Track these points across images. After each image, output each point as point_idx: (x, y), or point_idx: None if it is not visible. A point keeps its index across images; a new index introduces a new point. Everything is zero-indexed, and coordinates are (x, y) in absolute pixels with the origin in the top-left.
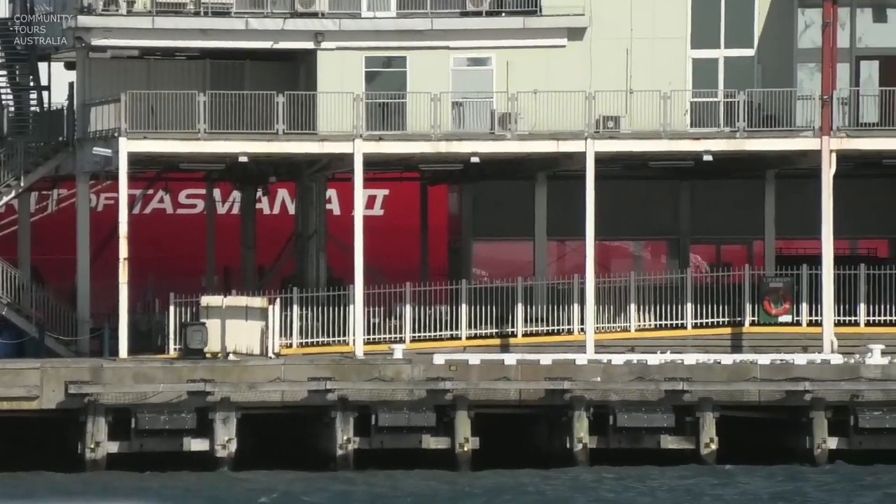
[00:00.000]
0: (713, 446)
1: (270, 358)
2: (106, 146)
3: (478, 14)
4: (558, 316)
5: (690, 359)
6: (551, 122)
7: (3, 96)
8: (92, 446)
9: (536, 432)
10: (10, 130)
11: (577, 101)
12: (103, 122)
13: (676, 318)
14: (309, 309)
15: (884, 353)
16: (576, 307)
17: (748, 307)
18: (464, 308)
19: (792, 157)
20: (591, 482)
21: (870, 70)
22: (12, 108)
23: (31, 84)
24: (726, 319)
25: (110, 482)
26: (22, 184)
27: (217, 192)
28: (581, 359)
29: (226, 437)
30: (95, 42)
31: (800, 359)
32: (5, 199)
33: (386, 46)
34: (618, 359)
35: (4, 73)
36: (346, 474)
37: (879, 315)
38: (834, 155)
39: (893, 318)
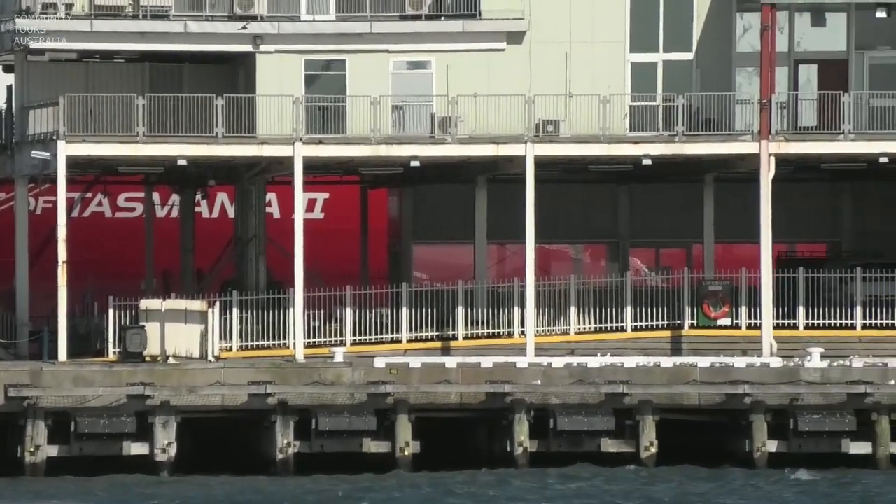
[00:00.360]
0: (653, 449)
1: (210, 361)
2: (44, 149)
3: (417, 17)
4: (499, 319)
5: (630, 362)
6: (491, 125)
7: None
8: (31, 450)
9: (477, 435)
10: None
11: (517, 105)
12: (42, 125)
13: (616, 322)
14: (249, 312)
15: (823, 356)
16: (516, 310)
17: (687, 310)
18: (404, 311)
19: (731, 161)
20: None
21: (808, 74)
22: None
23: None
24: (666, 322)
25: (45, 489)
26: None
27: (156, 196)
28: (521, 362)
29: (165, 441)
30: (34, 45)
31: (739, 362)
32: None
33: (325, 49)
34: (558, 362)
35: None
36: (286, 479)
37: (818, 318)
38: (773, 159)
39: (832, 321)
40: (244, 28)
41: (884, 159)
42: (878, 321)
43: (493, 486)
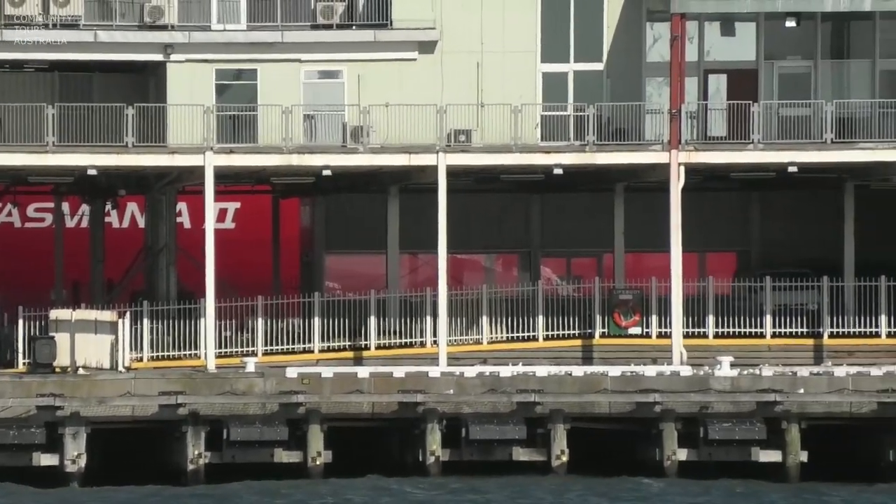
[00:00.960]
0: (564, 458)
1: (120, 372)
2: None
3: (329, 27)
4: (411, 329)
5: (542, 371)
6: (403, 135)
7: None
8: None
9: (390, 445)
10: None
11: (429, 115)
12: None
13: (528, 331)
14: (159, 322)
15: (732, 364)
16: (428, 320)
17: (598, 319)
18: (316, 321)
19: (641, 171)
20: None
21: (718, 83)
22: None
23: None
24: (577, 331)
25: None
26: None
27: (66, 206)
28: (434, 371)
29: (75, 453)
30: None
31: (650, 371)
32: None
33: (236, 59)
34: (470, 371)
35: None
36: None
37: (728, 327)
38: (682, 168)
39: (742, 329)
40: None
41: (793, 168)
42: (788, 330)
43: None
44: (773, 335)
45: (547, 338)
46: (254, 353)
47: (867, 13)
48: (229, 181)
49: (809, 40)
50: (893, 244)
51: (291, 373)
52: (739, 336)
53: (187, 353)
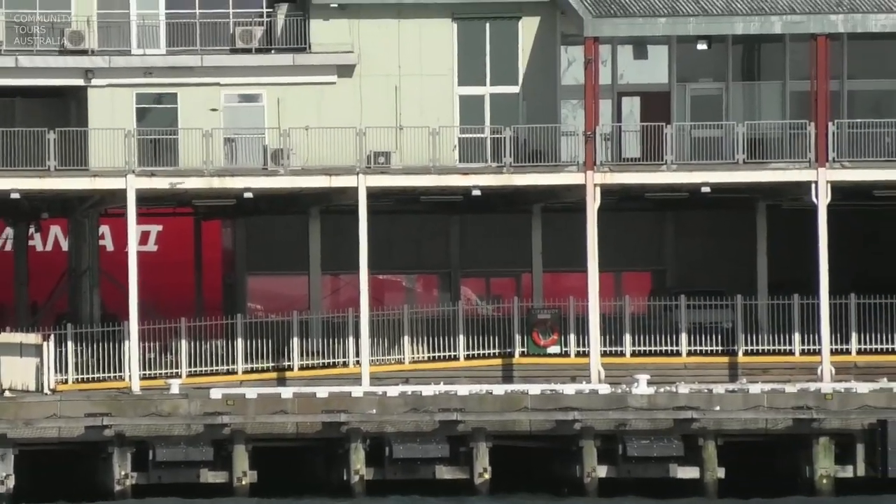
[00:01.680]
0: (487, 476)
1: (46, 394)
2: None
3: (248, 51)
4: (334, 349)
5: (463, 390)
6: (323, 157)
7: None
8: None
9: (315, 464)
10: None
11: (349, 137)
12: None
13: (449, 350)
14: (84, 345)
15: (650, 382)
16: (351, 340)
17: (518, 338)
18: (240, 342)
19: (558, 192)
20: None
21: (631, 106)
22: None
23: None
24: (497, 351)
25: None
26: None
27: None
28: (357, 391)
29: (3, 474)
30: None
31: (569, 389)
32: None
33: (156, 83)
34: (393, 390)
35: None
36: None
37: (645, 345)
38: (598, 189)
39: (658, 348)
40: None
41: (706, 189)
42: (703, 348)
43: None
44: (689, 353)
45: (468, 357)
46: (178, 375)
47: (777, 36)
48: (151, 204)
49: (721, 63)
50: (806, 263)
51: (216, 394)
52: (656, 354)
53: (112, 375)
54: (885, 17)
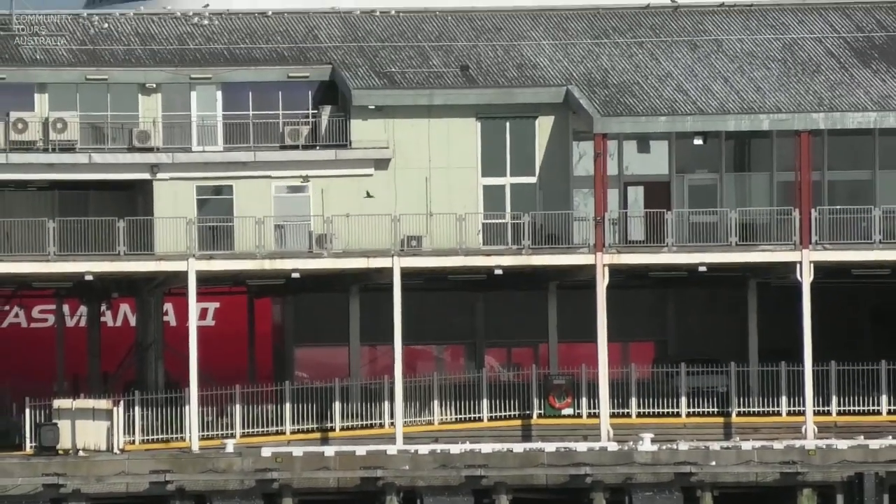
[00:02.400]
0: None
1: (116, 453)
2: None
3: (295, 147)
4: (372, 411)
5: (487, 448)
6: (362, 241)
7: None
8: None
9: None
10: None
11: (385, 223)
12: None
13: (474, 412)
14: (149, 409)
15: (653, 440)
16: (386, 404)
17: (536, 402)
18: (288, 406)
19: (571, 271)
20: None
21: (636, 194)
22: None
23: None
24: (517, 412)
25: None
26: None
27: (66, 308)
28: (392, 449)
29: None
30: None
31: (581, 446)
32: None
33: (214, 176)
34: (424, 449)
35: None
36: None
37: (649, 407)
38: (607, 269)
39: (661, 409)
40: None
41: (702, 268)
42: (700, 409)
43: None
44: (688, 414)
45: (491, 418)
46: (233, 436)
47: (765, 132)
48: (209, 283)
49: (715, 156)
50: (791, 334)
51: (266, 452)
52: (659, 415)
53: (174, 435)
54: (860, 115)
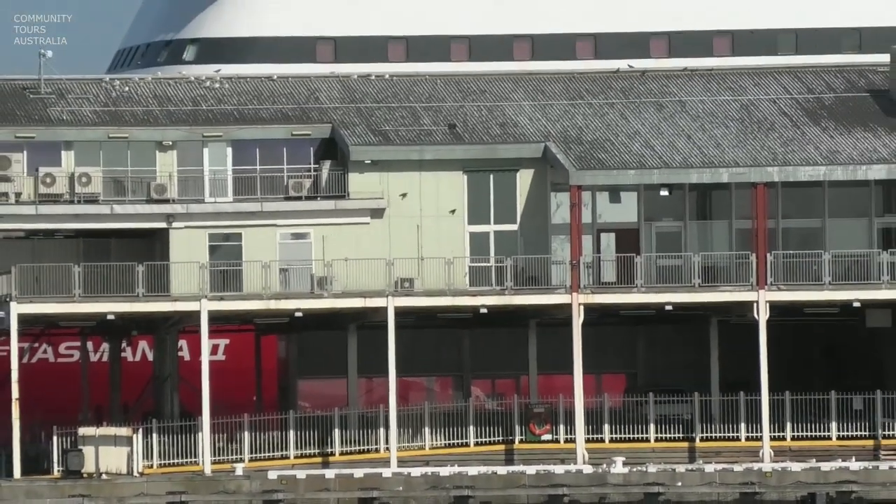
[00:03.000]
0: None
1: (135, 476)
2: (0, 309)
3: (298, 198)
4: (368, 437)
5: (473, 470)
6: (359, 283)
7: None
8: None
9: None
10: None
11: (380, 267)
12: None
13: (462, 438)
14: (166, 436)
15: (624, 463)
16: (382, 430)
17: (517, 428)
18: (291, 433)
19: (549, 310)
20: None
21: (608, 240)
22: None
23: None
24: (501, 438)
25: None
26: None
27: (90, 344)
28: (387, 472)
29: None
30: None
31: (559, 469)
32: None
33: (225, 225)
34: (416, 471)
35: None
36: None
37: (620, 433)
38: (582, 307)
39: (631, 435)
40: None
41: (669, 307)
42: (667, 435)
43: None
44: (656, 439)
45: (477, 443)
46: (241, 460)
47: (725, 184)
48: (220, 322)
49: (679, 206)
50: (749, 366)
51: (272, 475)
52: (629, 440)
53: (188, 460)
54: (811, 168)
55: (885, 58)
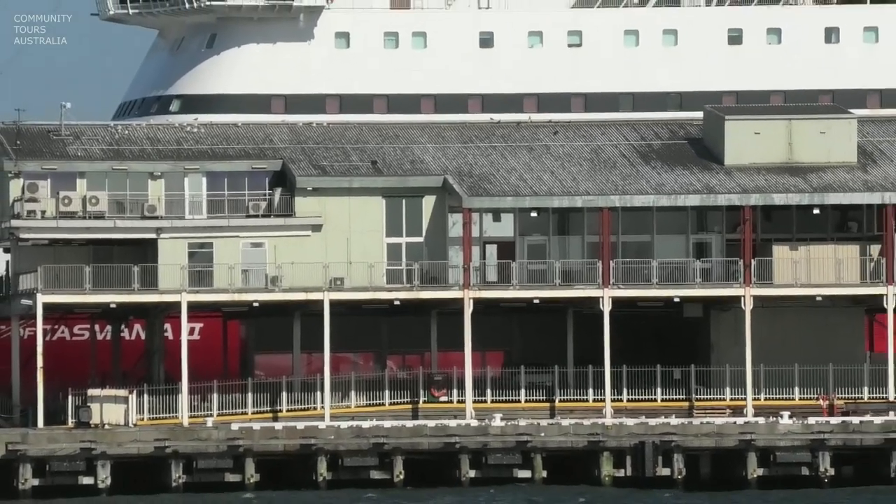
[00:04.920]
0: (401, 476)
1: (131, 427)
2: (29, 299)
3: (256, 216)
4: (308, 399)
5: (388, 424)
6: (302, 281)
7: None
8: (23, 482)
9: (296, 470)
10: None
11: (318, 269)
12: (27, 283)
13: (379, 399)
14: (154, 396)
15: (502, 419)
16: (318, 394)
17: (422, 392)
18: (250, 395)
19: (447, 302)
20: None
21: (491, 250)
22: None
23: None
24: (409, 400)
25: None
26: None
27: (97, 326)
28: (322, 425)
29: (104, 476)
30: (22, 236)
31: (452, 423)
32: None
33: (200, 236)
34: (344, 424)
35: None
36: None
37: (500, 396)
38: (471, 300)
39: (508, 397)
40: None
41: (536, 301)
42: (534, 398)
43: None
44: (526, 401)
45: (391, 404)
46: (211, 415)
47: (579, 208)
48: (196, 310)
49: (545, 224)
50: (597, 346)
51: (235, 427)
52: (506, 402)
53: (171, 415)
54: (644, 197)
55: (699, 114)
